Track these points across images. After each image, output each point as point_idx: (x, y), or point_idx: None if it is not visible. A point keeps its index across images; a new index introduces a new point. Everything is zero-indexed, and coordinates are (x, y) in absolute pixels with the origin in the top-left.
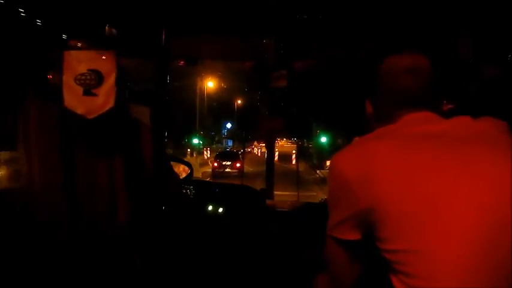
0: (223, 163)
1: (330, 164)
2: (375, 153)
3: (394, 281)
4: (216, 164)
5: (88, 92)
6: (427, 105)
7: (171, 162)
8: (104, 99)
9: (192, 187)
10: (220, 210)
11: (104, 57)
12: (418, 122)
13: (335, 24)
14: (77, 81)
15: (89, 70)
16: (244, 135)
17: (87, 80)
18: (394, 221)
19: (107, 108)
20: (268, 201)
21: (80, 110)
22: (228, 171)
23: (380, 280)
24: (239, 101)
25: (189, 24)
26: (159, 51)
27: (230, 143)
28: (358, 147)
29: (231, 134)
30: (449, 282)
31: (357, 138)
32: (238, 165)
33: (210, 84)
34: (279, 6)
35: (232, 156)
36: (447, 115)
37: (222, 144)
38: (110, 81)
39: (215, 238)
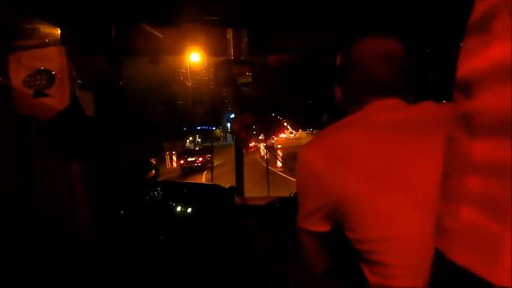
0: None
1: (298, 155)
2: (342, 144)
3: (365, 269)
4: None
5: (39, 93)
6: (396, 92)
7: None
8: (58, 98)
9: (159, 188)
10: (189, 210)
11: (52, 55)
12: (385, 110)
13: (301, 14)
14: (26, 84)
15: (37, 70)
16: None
17: (37, 81)
18: (362, 210)
19: (61, 107)
20: (237, 198)
21: (32, 113)
22: None
23: (352, 270)
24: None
25: (140, 16)
26: (110, 46)
27: (233, 139)
28: (325, 138)
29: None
30: (418, 268)
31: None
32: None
33: (195, 58)
34: None
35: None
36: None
37: (226, 140)
38: (63, 79)
39: (183, 237)
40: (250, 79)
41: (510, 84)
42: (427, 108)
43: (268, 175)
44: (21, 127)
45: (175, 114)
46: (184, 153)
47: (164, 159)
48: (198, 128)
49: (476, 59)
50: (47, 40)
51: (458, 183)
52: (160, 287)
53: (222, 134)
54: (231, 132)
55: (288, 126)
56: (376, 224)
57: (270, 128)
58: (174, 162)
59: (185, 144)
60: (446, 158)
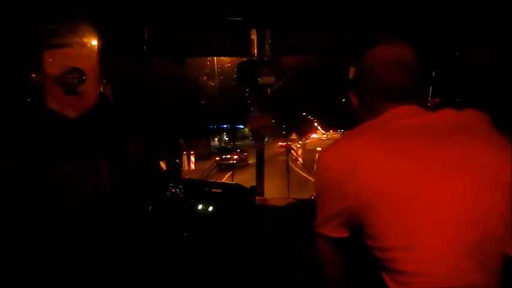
0: None
1: (317, 160)
2: (360, 149)
3: (386, 278)
4: None
5: (70, 91)
6: (412, 98)
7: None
8: (87, 97)
9: (181, 186)
10: (210, 208)
11: (85, 54)
12: (403, 116)
13: (321, 15)
14: (59, 81)
15: (70, 68)
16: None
17: (69, 79)
18: (382, 218)
19: (90, 105)
20: (258, 198)
21: (62, 111)
22: None
23: (372, 278)
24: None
25: (172, 19)
26: (142, 48)
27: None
28: (344, 143)
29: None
30: (440, 277)
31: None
32: None
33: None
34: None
35: None
36: (433, 108)
37: (250, 140)
38: (93, 78)
39: (205, 236)
40: (272, 80)
41: None
42: (447, 115)
43: (288, 176)
44: (51, 125)
45: (198, 113)
46: (220, 150)
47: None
48: (225, 126)
49: None
50: (80, 39)
51: None
52: (179, 283)
53: (250, 133)
54: (247, 128)
55: (319, 127)
56: (396, 232)
57: (301, 128)
58: (192, 163)
59: (210, 144)
60: None
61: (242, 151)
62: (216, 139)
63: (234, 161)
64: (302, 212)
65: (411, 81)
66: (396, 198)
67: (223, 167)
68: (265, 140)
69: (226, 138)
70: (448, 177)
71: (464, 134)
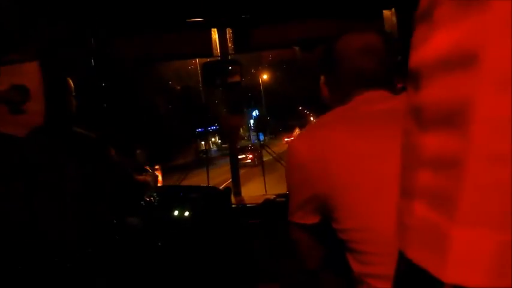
0: None
1: (287, 149)
2: (327, 137)
3: (349, 258)
4: None
5: (15, 109)
6: (380, 84)
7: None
8: (34, 114)
9: (155, 194)
10: (186, 214)
11: (27, 70)
12: (370, 101)
13: (278, 10)
14: (2, 99)
15: (13, 86)
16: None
17: (13, 97)
18: (346, 201)
19: (39, 122)
20: (235, 198)
21: (9, 130)
22: None
23: (339, 260)
24: (265, 76)
25: (127, 23)
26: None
27: (262, 137)
28: (312, 131)
29: (261, 125)
30: (393, 256)
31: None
32: None
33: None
34: None
35: None
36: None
37: (250, 139)
38: (37, 94)
39: (183, 242)
40: (239, 78)
41: (449, 75)
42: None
43: (264, 173)
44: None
45: (183, 117)
46: (205, 153)
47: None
48: (213, 128)
49: (422, 49)
50: (22, 56)
51: (411, 177)
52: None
53: (245, 133)
54: (256, 131)
55: (314, 121)
56: (355, 214)
57: (301, 123)
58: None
59: (198, 149)
60: (402, 151)
61: (255, 150)
62: (203, 143)
63: (249, 160)
64: (280, 206)
65: (380, 67)
66: (358, 183)
67: (240, 166)
68: (257, 138)
69: (219, 141)
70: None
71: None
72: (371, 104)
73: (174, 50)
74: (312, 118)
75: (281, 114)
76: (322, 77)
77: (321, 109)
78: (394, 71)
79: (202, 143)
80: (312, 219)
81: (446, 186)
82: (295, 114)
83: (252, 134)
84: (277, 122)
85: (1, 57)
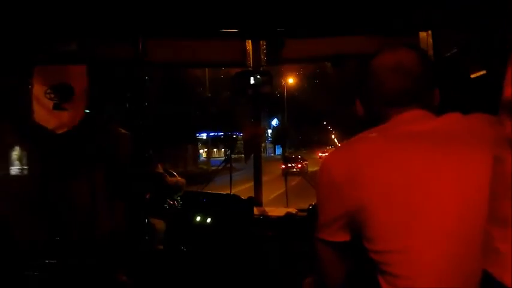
0: None
1: (320, 164)
2: (363, 154)
3: (381, 281)
4: None
5: (58, 106)
6: (417, 102)
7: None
8: (74, 113)
9: (179, 198)
10: (208, 220)
11: (74, 71)
12: (407, 121)
13: (314, 25)
14: (47, 96)
15: (59, 84)
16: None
17: (57, 95)
18: (380, 221)
19: (76, 122)
20: (257, 209)
21: (49, 125)
22: None
23: (369, 281)
24: (290, 80)
25: (166, 30)
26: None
27: (279, 150)
28: (347, 148)
29: (280, 136)
30: (432, 282)
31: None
32: None
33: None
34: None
35: None
36: (439, 111)
37: (266, 152)
38: (81, 95)
39: (204, 247)
40: (269, 89)
41: None
42: (453, 120)
43: (287, 186)
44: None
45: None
46: (285, 160)
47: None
48: (218, 134)
49: None
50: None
51: (506, 205)
52: None
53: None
54: (273, 142)
55: (335, 139)
56: (391, 236)
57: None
58: None
59: (198, 157)
60: (494, 178)
61: (303, 159)
62: (215, 150)
63: (298, 169)
64: (301, 221)
65: (414, 85)
66: (394, 202)
67: (289, 174)
68: (275, 151)
69: (228, 150)
70: (443, 186)
71: (470, 139)
72: (409, 124)
73: (206, 57)
74: (333, 136)
75: (303, 127)
76: (357, 97)
77: (346, 127)
78: (432, 88)
79: (215, 150)
80: (341, 237)
81: None
82: (317, 129)
83: (269, 145)
84: (297, 135)
85: (52, 57)
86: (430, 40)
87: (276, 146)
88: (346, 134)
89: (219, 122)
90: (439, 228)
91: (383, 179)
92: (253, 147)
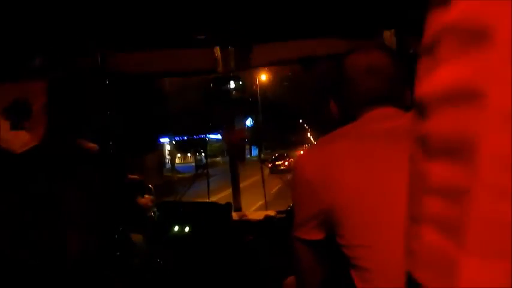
0: None
1: (294, 165)
2: (333, 154)
3: (353, 275)
4: None
5: (16, 126)
6: (388, 101)
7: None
8: (34, 132)
9: (155, 209)
10: (186, 229)
11: (33, 88)
12: (377, 119)
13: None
14: (4, 116)
15: (15, 103)
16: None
17: (15, 114)
18: (352, 217)
19: (37, 141)
20: (235, 214)
21: (7, 145)
22: None
23: (343, 277)
24: (263, 77)
25: (130, 41)
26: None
27: (255, 152)
28: (318, 148)
29: (255, 137)
30: (392, 276)
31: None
32: None
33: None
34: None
35: None
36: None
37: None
38: (40, 113)
39: (182, 257)
40: (240, 94)
41: (454, 109)
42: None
43: (264, 189)
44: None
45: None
46: (274, 159)
47: None
48: (178, 138)
49: (427, 81)
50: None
51: (419, 203)
52: None
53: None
54: (248, 143)
55: (311, 138)
56: (360, 230)
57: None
58: None
59: (162, 165)
60: (410, 177)
61: (289, 157)
62: (188, 154)
63: (285, 167)
64: (281, 223)
65: (387, 85)
66: (364, 199)
67: (278, 172)
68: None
69: (202, 154)
70: (402, 181)
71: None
72: (378, 122)
73: (176, 66)
74: (308, 134)
75: (280, 127)
76: (329, 96)
77: (321, 125)
78: (403, 88)
79: (178, 155)
80: (316, 235)
81: (454, 214)
82: (294, 128)
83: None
84: (274, 135)
85: (8, 74)
86: (394, 40)
87: (252, 148)
88: (321, 132)
89: (184, 124)
90: (395, 223)
91: (350, 178)
92: (238, 150)
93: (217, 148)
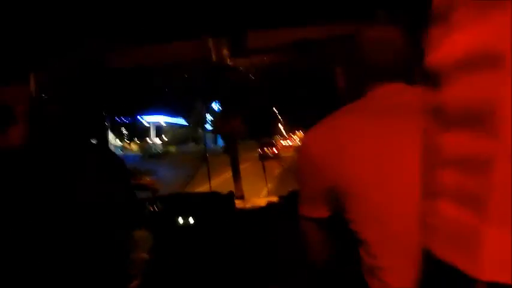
0: None
1: (301, 141)
2: (341, 129)
3: (361, 250)
4: None
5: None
6: (398, 77)
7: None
8: (15, 136)
9: (158, 202)
10: (190, 220)
11: (16, 93)
12: (386, 95)
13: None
14: None
15: None
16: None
17: None
18: (359, 191)
19: (17, 146)
20: (238, 202)
21: None
22: None
23: (351, 253)
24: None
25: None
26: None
27: (220, 142)
28: (326, 124)
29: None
30: (406, 251)
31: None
32: None
33: None
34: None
35: None
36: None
37: (204, 143)
38: (22, 116)
39: (185, 248)
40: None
41: (472, 75)
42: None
43: (266, 177)
44: None
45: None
46: (263, 144)
47: None
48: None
49: (441, 49)
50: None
51: (436, 177)
52: None
53: (195, 134)
54: (215, 131)
55: (282, 128)
56: (367, 204)
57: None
58: None
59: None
60: (424, 151)
61: (276, 143)
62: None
63: (274, 154)
64: (283, 208)
65: (396, 59)
66: (372, 173)
67: (266, 159)
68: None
69: (159, 142)
70: (414, 156)
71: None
72: (388, 98)
73: (170, 58)
74: (279, 125)
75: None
76: (338, 69)
77: (293, 115)
78: (413, 63)
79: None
80: (322, 213)
81: (474, 185)
82: (265, 116)
83: (208, 136)
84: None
85: None
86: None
87: (217, 137)
88: (294, 122)
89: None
90: (408, 201)
91: (361, 151)
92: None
93: (181, 135)
